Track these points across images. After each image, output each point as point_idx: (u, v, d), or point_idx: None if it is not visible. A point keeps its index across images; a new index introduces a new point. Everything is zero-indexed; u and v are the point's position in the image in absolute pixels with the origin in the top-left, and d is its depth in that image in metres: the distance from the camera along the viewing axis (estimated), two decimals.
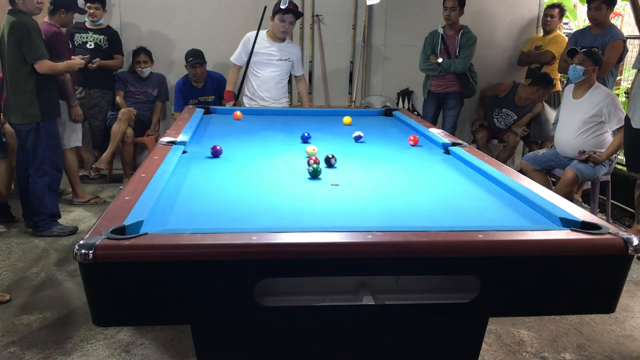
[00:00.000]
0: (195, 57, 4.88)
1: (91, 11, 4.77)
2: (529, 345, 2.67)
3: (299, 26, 5.38)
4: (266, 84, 4.24)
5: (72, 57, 4.18)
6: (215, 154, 2.46)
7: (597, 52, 4.06)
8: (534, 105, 5.07)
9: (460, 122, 5.54)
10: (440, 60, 4.83)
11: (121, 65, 5.06)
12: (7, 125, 4.56)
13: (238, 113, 3.52)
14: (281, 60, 4.21)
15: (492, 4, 5.53)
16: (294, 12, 4.09)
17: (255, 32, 4.16)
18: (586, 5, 4.77)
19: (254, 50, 4.15)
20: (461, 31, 4.79)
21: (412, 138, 2.84)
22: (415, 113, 5.18)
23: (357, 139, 2.90)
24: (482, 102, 5.39)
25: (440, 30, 4.87)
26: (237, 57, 4.24)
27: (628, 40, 4.67)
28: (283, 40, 4.24)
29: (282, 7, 4.03)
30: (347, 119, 3.46)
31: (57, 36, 4.08)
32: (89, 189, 4.86)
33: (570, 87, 4.19)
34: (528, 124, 5.18)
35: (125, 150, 5.02)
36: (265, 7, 4.20)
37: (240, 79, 4.33)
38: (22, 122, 3.77)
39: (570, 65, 4.05)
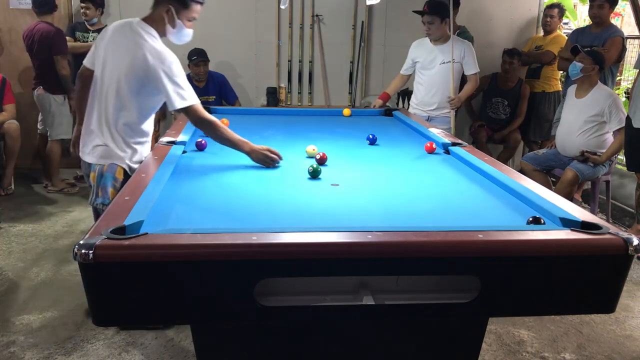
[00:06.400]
0: (199, 56, 4.89)
1: (82, 11, 4.81)
2: (529, 345, 2.67)
3: (299, 26, 5.39)
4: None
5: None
6: (200, 147, 2.58)
7: (598, 49, 4.06)
8: (520, 87, 5.13)
9: (460, 123, 5.54)
10: None
11: None
12: (6, 125, 4.59)
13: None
14: (443, 63, 4.01)
15: (492, 4, 5.53)
16: (425, 11, 3.93)
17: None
18: (587, 4, 4.76)
19: None
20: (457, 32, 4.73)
21: (428, 145, 2.66)
22: None
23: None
24: (469, 104, 5.40)
25: None
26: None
27: (628, 40, 4.68)
28: (436, 42, 4.04)
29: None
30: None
31: (59, 33, 4.49)
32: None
33: (573, 87, 4.19)
34: (528, 121, 5.20)
35: None
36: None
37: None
38: None
39: (571, 63, 4.06)
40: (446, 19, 3.93)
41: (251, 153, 2.35)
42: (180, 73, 2.34)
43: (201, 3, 2.47)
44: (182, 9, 2.42)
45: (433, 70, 4.04)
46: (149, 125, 2.57)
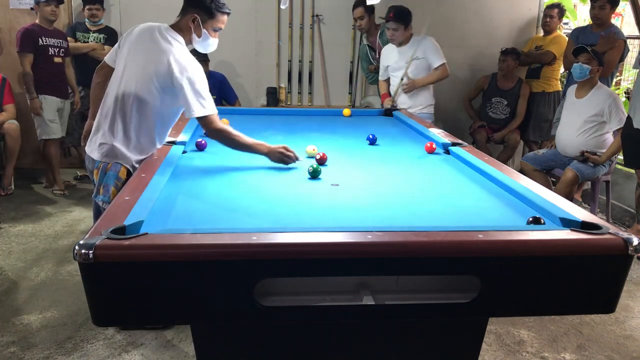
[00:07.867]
0: (199, 56, 4.88)
1: (92, 12, 4.80)
2: (529, 345, 2.67)
3: (299, 26, 5.38)
4: None
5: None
6: (200, 147, 2.60)
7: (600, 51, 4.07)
8: (520, 87, 5.15)
9: (460, 123, 5.54)
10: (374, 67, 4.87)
11: None
12: (6, 125, 4.59)
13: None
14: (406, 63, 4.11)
15: (492, 4, 5.52)
16: (391, 18, 4.01)
17: None
18: (588, 4, 4.76)
19: None
20: (378, 32, 4.77)
21: (428, 145, 2.67)
22: None
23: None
24: (469, 104, 5.40)
25: (365, 41, 4.94)
26: None
27: (628, 41, 4.68)
28: (399, 45, 4.15)
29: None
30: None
31: (23, 32, 4.48)
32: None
33: (573, 87, 4.20)
34: (528, 121, 5.20)
35: None
36: None
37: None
38: None
39: (575, 64, 4.05)
40: (409, 25, 4.09)
41: (269, 154, 2.37)
42: (202, 82, 2.34)
43: (227, 13, 2.47)
44: (208, 19, 2.43)
45: (400, 72, 4.15)
46: (164, 134, 2.53)
